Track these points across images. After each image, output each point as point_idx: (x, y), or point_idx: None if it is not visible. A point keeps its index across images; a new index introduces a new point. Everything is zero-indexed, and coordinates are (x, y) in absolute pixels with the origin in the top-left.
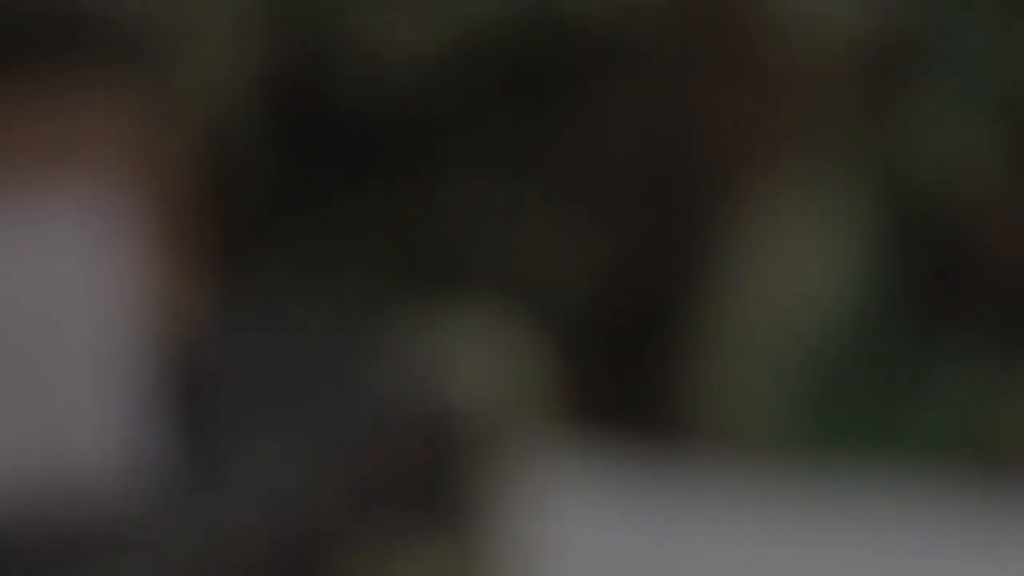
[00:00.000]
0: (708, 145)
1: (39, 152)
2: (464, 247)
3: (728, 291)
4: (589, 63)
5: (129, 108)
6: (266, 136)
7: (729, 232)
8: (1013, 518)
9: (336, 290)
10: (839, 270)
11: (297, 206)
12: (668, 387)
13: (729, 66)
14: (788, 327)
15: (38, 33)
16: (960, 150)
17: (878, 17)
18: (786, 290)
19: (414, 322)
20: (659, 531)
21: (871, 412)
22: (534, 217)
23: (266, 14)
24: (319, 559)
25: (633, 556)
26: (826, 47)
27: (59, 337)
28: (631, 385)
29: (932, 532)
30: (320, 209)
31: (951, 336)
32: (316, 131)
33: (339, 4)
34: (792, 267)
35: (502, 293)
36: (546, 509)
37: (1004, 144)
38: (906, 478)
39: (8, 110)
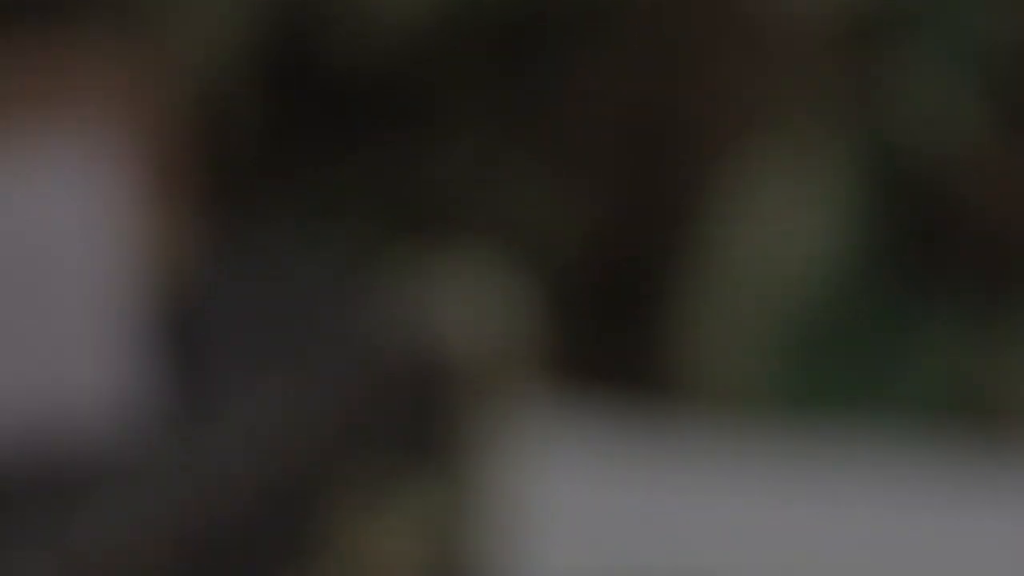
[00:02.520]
0: (695, 106)
1: (34, 100)
2: (454, 202)
3: (714, 250)
4: (578, 25)
5: (123, 58)
6: (259, 88)
7: (716, 192)
8: (999, 474)
9: (328, 237)
10: (824, 230)
11: (289, 158)
12: (654, 344)
13: (716, 29)
14: (774, 286)
15: None
16: (944, 112)
17: None
18: (772, 250)
19: (405, 269)
20: (644, 486)
21: (856, 371)
22: (523, 176)
23: None
24: (309, 498)
25: (617, 510)
26: (812, 10)
27: (54, 278)
28: (617, 342)
29: (917, 488)
30: (312, 162)
31: (935, 295)
32: (309, 86)
33: None
34: (778, 227)
35: (491, 248)
36: (531, 460)
37: (987, 106)
38: (891, 435)
39: (2, 61)
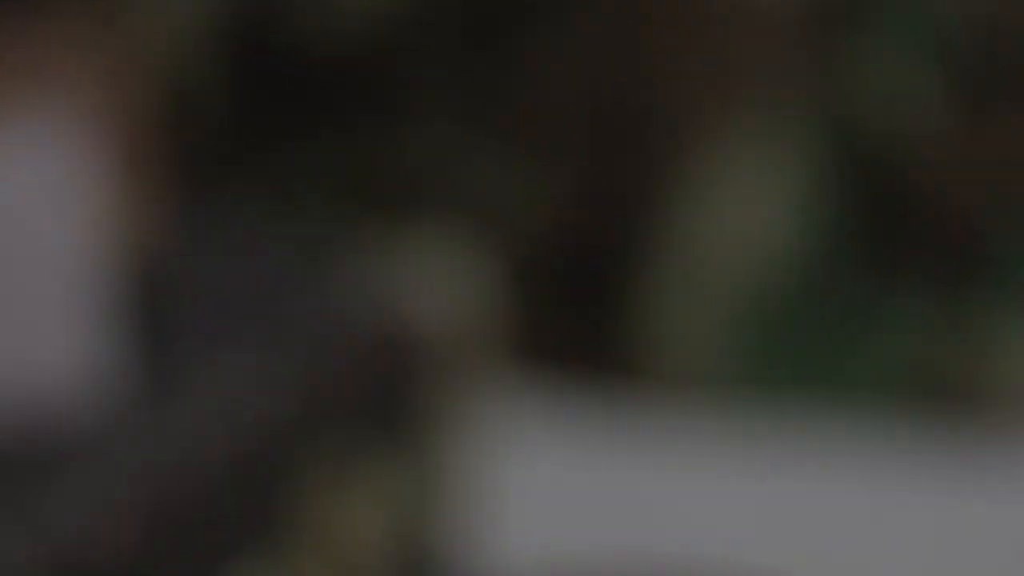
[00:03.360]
0: (660, 90)
1: (3, 79)
2: (421, 183)
3: (679, 232)
4: (545, 9)
5: (94, 38)
6: (228, 68)
7: (680, 174)
8: (958, 455)
9: (296, 216)
10: (787, 213)
11: (258, 139)
12: (619, 325)
13: (681, 13)
14: (738, 268)
15: None
16: (905, 95)
17: None
18: (735, 232)
19: (372, 248)
20: (608, 466)
21: (819, 352)
22: (490, 157)
23: None
24: (277, 473)
25: (581, 489)
26: None
27: (24, 255)
28: (582, 323)
29: (879, 469)
30: (280, 143)
31: (897, 278)
32: (277, 67)
33: None
34: (741, 210)
35: (458, 229)
36: (496, 438)
37: (948, 90)
38: (853, 417)
39: None
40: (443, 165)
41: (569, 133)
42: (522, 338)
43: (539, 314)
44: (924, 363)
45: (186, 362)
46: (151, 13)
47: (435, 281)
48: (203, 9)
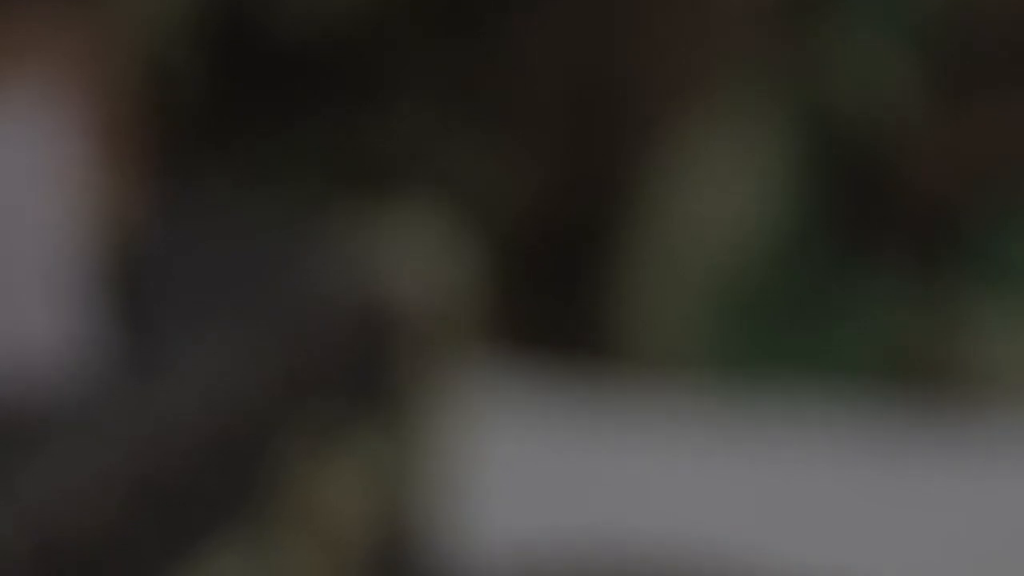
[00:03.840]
0: (636, 71)
1: None
2: (398, 163)
3: (654, 213)
4: None
5: (74, 16)
6: (206, 49)
7: (656, 156)
8: (935, 435)
9: (275, 193)
10: (762, 195)
11: (236, 120)
12: (595, 306)
13: None
14: (713, 249)
15: None
16: (879, 77)
17: None
18: (711, 213)
19: (350, 226)
20: (584, 447)
21: (794, 333)
22: (466, 138)
23: None
24: (256, 448)
25: (558, 469)
26: None
27: (6, 231)
28: (558, 304)
29: (854, 450)
30: (258, 124)
31: (872, 259)
32: (255, 50)
33: None
34: (717, 191)
35: (435, 208)
36: (473, 418)
37: (922, 72)
38: (831, 396)
39: None
40: (421, 147)
41: (546, 115)
42: (500, 318)
43: (516, 295)
44: (900, 343)
45: (167, 339)
46: None
47: (414, 260)
48: None
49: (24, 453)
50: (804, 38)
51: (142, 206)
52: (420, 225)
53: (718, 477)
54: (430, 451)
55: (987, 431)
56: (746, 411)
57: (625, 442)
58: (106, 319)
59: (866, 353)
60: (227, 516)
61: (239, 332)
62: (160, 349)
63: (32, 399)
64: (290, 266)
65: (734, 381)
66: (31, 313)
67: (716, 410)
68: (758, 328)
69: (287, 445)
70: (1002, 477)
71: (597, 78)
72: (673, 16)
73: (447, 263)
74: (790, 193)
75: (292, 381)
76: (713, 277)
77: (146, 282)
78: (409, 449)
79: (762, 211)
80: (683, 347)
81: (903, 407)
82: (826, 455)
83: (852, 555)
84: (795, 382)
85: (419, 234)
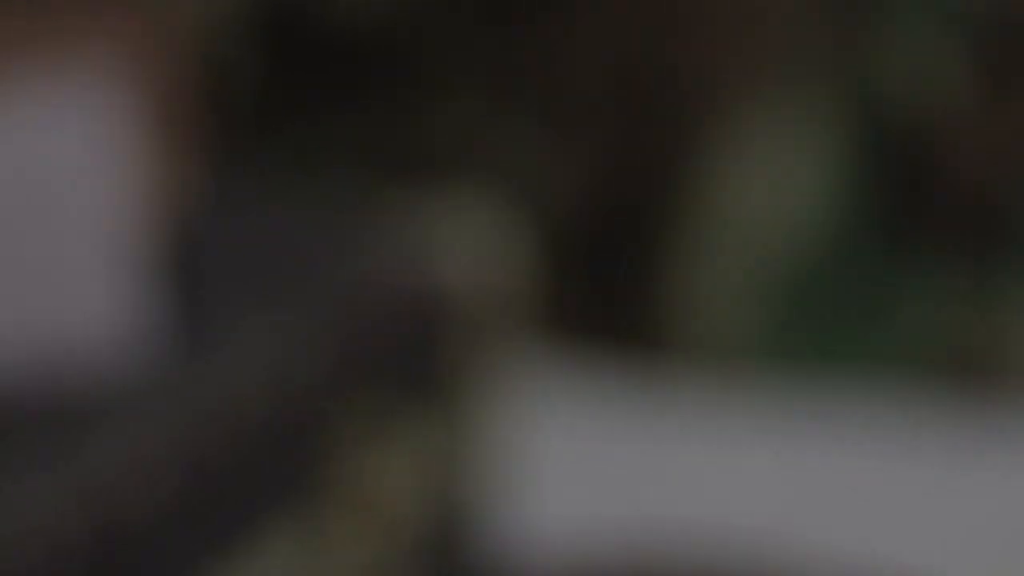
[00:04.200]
0: (686, 60)
1: (43, 40)
2: (451, 152)
3: (706, 204)
4: None
5: (130, 6)
6: (262, 36)
7: (707, 145)
8: (983, 428)
9: (327, 180)
10: (812, 186)
11: (290, 106)
12: (644, 297)
13: None
14: (764, 240)
15: None
16: (929, 69)
17: None
18: (762, 203)
19: (403, 213)
20: (632, 436)
21: (845, 323)
22: (519, 127)
23: None
24: (307, 433)
25: (607, 458)
26: None
27: (61, 213)
28: (608, 294)
29: (904, 442)
30: (311, 113)
31: (920, 251)
32: (308, 38)
33: None
34: (768, 181)
35: (487, 195)
36: (523, 406)
37: (972, 64)
38: (879, 388)
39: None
40: (473, 136)
41: (597, 104)
42: (549, 307)
43: (566, 284)
44: (947, 335)
45: (221, 324)
46: None
47: (465, 248)
48: None
49: (81, 435)
50: (853, 30)
51: (196, 192)
52: (472, 213)
53: (765, 467)
54: (480, 437)
55: None
56: (794, 402)
57: (674, 431)
58: (161, 303)
59: (914, 344)
60: (280, 499)
61: (292, 317)
62: (214, 334)
63: (88, 382)
64: (342, 252)
65: (782, 372)
66: (88, 297)
67: (764, 400)
68: (807, 319)
69: (339, 429)
70: None
71: (649, 68)
72: (724, 5)
73: (498, 251)
74: (840, 185)
75: (344, 366)
76: (762, 268)
77: (200, 267)
78: (459, 435)
79: (812, 203)
80: (732, 337)
81: (951, 399)
82: (874, 447)
83: (903, 546)
84: (843, 374)
85: (471, 222)
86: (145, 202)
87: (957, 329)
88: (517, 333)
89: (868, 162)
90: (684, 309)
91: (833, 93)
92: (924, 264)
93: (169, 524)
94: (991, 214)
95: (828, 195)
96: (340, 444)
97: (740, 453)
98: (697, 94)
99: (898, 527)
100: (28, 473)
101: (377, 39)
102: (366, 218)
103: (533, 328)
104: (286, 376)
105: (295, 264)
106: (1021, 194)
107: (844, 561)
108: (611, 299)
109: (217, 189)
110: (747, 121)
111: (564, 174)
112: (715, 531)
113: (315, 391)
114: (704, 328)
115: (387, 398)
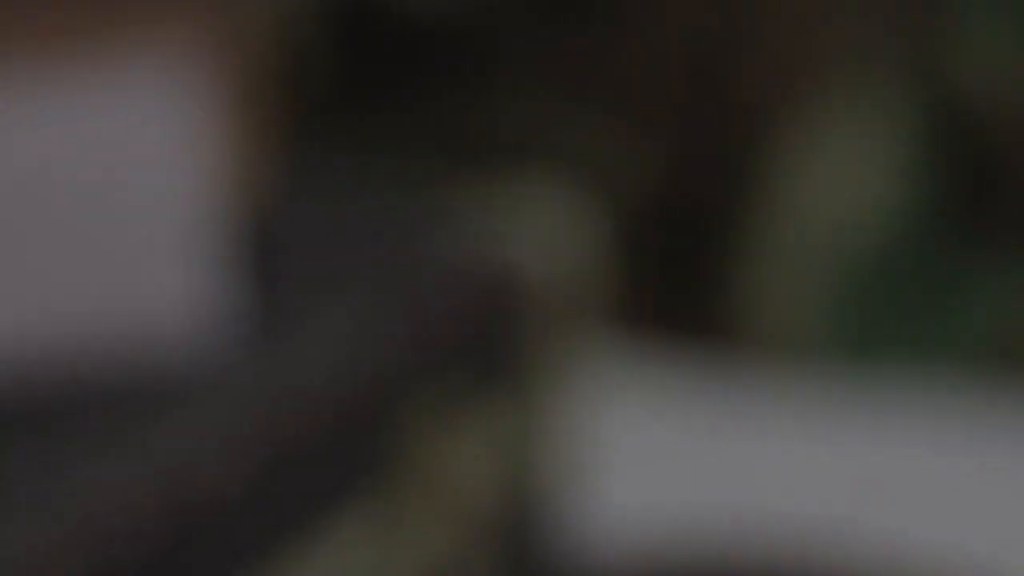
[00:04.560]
0: (757, 52)
1: (121, 23)
2: (523, 141)
3: (775, 197)
4: None
5: None
6: (335, 25)
7: (778, 138)
8: None
9: (401, 166)
10: (881, 179)
11: (364, 94)
12: (714, 290)
13: None
14: (832, 234)
15: None
16: (999, 62)
17: None
18: (831, 198)
19: (475, 197)
20: (701, 428)
21: (912, 318)
22: (591, 119)
23: None
24: (382, 418)
25: (677, 450)
26: None
27: (138, 196)
28: (678, 286)
29: (969, 436)
30: (386, 99)
31: (989, 245)
32: (382, 28)
33: None
34: (836, 176)
35: (559, 187)
36: (596, 395)
37: None
38: (946, 383)
39: None
40: (547, 123)
41: (670, 96)
42: (620, 299)
43: (637, 275)
44: (1016, 330)
45: (294, 308)
46: None
47: (539, 235)
48: None
49: (156, 417)
50: (924, 20)
51: (270, 176)
52: (546, 202)
53: (833, 461)
54: (553, 425)
55: None
56: (863, 396)
57: (742, 424)
58: (237, 289)
59: (983, 339)
60: (352, 485)
61: (366, 303)
62: (288, 319)
63: (166, 365)
64: (416, 237)
65: (852, 366)
66: (166, 281)
67: (833, 394)
68: (876, 313)
69: (413, 414)
70: None
71: (719, 59)
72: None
73: (572, 240)
74: (909, 178)
75: (418, 352)
76: (832, 261)
77: (273, 250)
78: (532, 422)
79: (881, 196)
80: (802, 330)
81: (1019, 393)
82: (942, 440)
83: (967, 539)
84: (912, 367)
85: (544, 210)
86: (221, 187)
87: None
88: (589, 322)
89: (938, 155)
90: (754, 301)
91: (904, 87)
92: (993, 259)
93: (244, 508)
94: None
95: (898, 188)
96: (414, 429)
97: (808, 446)
98: (770, 85)
99: (962, 519)
100: (105, 455)
101: (451, 25)
102: (440, 205)
103: (604, 318)
104: (360, 362)
105: (369, 250)
106: None
107: (906, 554)
108: (682, 290)
109: (292, 175)
110: (819, 114)
111: (637, 164)
112: (780, 524)
113: (389, 377)
114: (774, 320)
115: (460, 385)
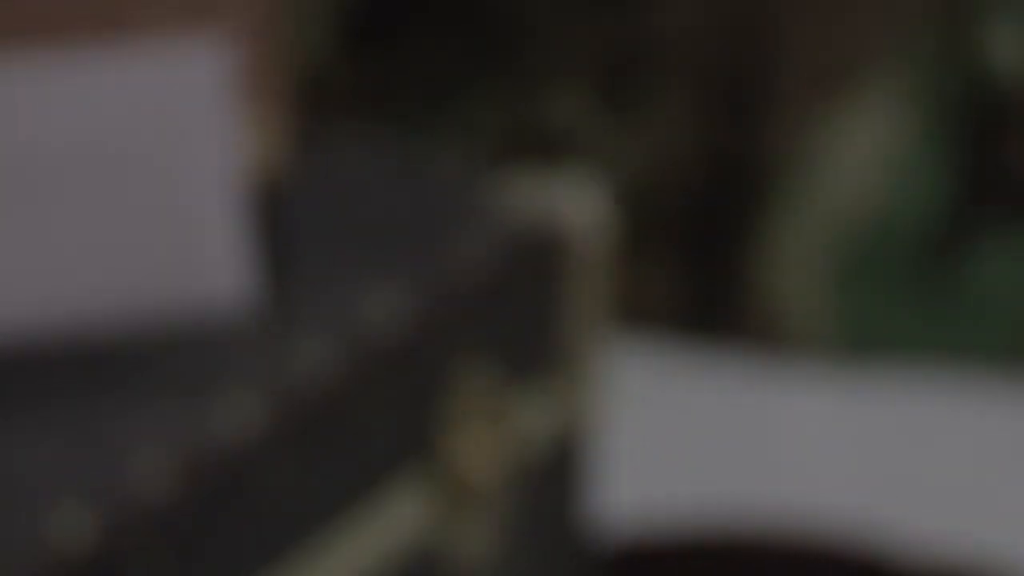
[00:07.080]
0: (781, 45)
1: (151, 10)
2: (549, 134)
3: (795, 189)
4: None
5: None
6: (372, 10)
7: (798, 132)
8: None
9: (437, 143)
10: (900, 172)
11: (397, 79)
12: (732, 281)
13: None
14: (851, 225)
15: None
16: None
17: None
18: (850, 190)
19: (501, 178)
20: (716, 417)
21: (930, 310)
22: (614, 113)
23: None
24: (424, 392)
25: (690, 441)
26: None
27: (176, 173)
28: (696, 277)
29: (985, 426)
30: (423, 87)
31: (1011, 238)
32: (420, 18)
33: None
34: (855, 168)
35: (584, 178)
36: (613, 385)
37: None
38: (963, 374)
39: None
40: (571, 120)
41: (692, 89)
42: (639, 289)
43: (656, 267)
44: None
45: (327, 281)
46: None
47: (564, 221)
48: None
49: (192, 384)
50: (948, 15)
51: (297, 151)
52: (572, 189)
53: (848, 449)
54: (577, 408)
55: None
56: (880, 386)
57: (757, 413)
58: (265, 260)
59: (1002, 330)
60: (377, 461)
61: (406, 277)
62: (319, 291)
63: (201, 331)
64: (457, 212)
65: (869, 356)
66: (205, 249)
67: (850, 384)
68: (894, 304)
69: (439, 389)
70: None
71: (744, 53)
72: None
73: (595, 229)
74: (929, 171)
75: (457, 328)
76: (850, 253)
77: (311, 224)
78: (557, 404)
79: (900, 189)
80: (819, 321)
81: None
82: (957, 430)
83: (981, 529)
84: (930, 358)
85: (571, 197)
86: (249, 161)
87: None
88: (612, 309)
89: (959, 148)
90: (773, 292)
91: (926, 78)
92: (1016, 251)
93: (279, 480)
94: None
95: (918, 181)
96: (441, 405)
97: (824, 435)
98: (792, 79)
99: (976, 508)
100: (138, 418)
101: (485, 10)
102: (468, 181)
103: (625, 306)
104: (392, 338)
105: (401, 226)
106: None
107: (925, 545)
108: (702, 278)
109: (321, 150)
110: (839, 106)
111: (658, 156)
112: (797, 512)
113: (413, 352)
114: (791, 310)
115: (484, 364)
